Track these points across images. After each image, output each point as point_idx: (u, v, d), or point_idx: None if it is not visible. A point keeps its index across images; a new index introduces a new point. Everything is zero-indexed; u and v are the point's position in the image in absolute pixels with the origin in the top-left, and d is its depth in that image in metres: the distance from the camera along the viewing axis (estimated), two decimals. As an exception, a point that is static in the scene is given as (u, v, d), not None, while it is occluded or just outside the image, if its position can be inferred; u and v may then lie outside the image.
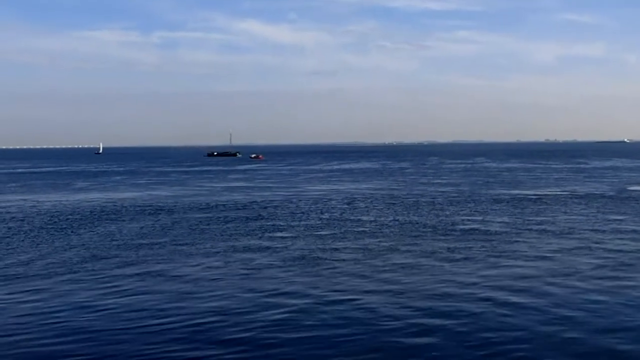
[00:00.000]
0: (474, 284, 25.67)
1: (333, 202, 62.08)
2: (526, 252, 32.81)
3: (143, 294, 25.09)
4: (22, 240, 39.03)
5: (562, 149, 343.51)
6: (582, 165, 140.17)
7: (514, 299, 23.19)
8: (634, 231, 39.35)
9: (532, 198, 62.92)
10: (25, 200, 68.52)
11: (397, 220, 46.86)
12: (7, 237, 40.61)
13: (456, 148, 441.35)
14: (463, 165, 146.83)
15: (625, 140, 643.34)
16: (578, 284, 25.44)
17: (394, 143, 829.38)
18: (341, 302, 23.16)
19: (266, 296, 24.26)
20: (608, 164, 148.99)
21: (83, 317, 21.76)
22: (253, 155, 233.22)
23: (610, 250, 32.82)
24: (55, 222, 48.35)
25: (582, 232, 39.52)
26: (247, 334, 19.60)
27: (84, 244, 37.32)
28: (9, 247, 36.66)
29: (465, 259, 31.00)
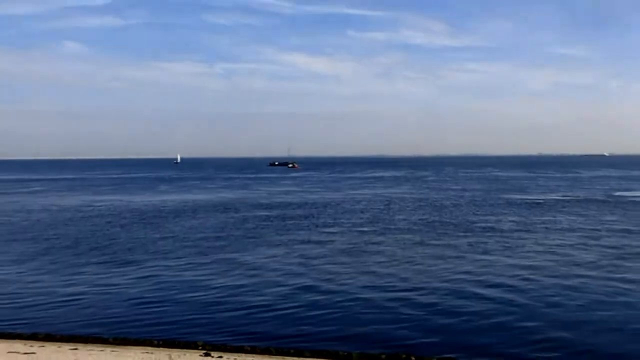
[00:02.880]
0: (491, 272, 25.32)
1: (371, 203, 61.77)
2: (533, 247, 32.23)
3: (218, 275, 25.32)
4: (119, 232, 39.85)
5: (555, 161, 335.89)
6: (576, 175, 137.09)
7: (523, 285, 22.87)
8: (624, 230, 38.49)
9: (537, 201, 61.75)
10: (120, 199, 70.16)
11: (425, 219, 46.38)
12: (107, 229, 41.59)
13: (466, 160, 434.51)
14: (476, 175, 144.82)
15: (605, 154, 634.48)
16: (578, 273, 24.84)
17: (413, 155, 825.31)
18: (380, 287, 22.89)
19: (317, 280, 24.10)
20: (597, 173, 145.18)
21: (172, 292, 21.97)
22: (290, 165, 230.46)
23: (605, 246, 32.08)
24: (144, 217, 49.33)
25: (580, 230, 38.69)
26: (299, 311, 19.44)
27: (169, 235, 37.93)
28: (111, 237, 37.48)
29: (484, 252, 30.53)
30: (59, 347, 15.76)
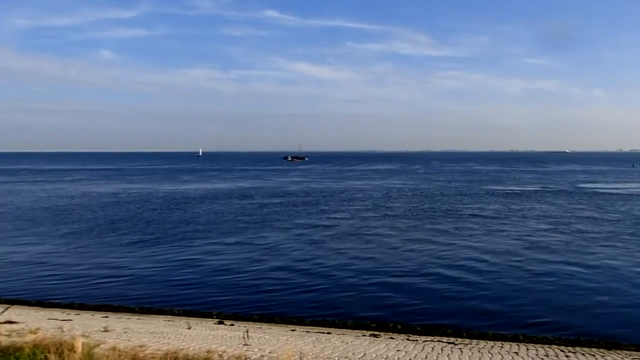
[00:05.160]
0: (475, 251, 25.31)
1: (370, 192, 61.44)
2: (511, 230, 32.10)
3: (237, 253, 25.13)
4: (149, 216, 39.74)
5: (525, 157, 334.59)
6: (546, 169, 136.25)
7: (503, 262, 22.85)
8: (589, 217, 38.22)
9: (514, 192, 61.40)
10: (149, 187, 70.15)
11: (417, 206, 46.10)
12: (139, 213, 41.53)
13: (448, 155, 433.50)
14: (459, 168, 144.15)
15: (567, 151, 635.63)
16: (549, 254, 24.83)
17: (402, 151, 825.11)
18: (375, 265, 22.72)
19: (325, 258, 23.92)
20: (563, 168, 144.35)
21: (195, 270, 21.81)
22: (289, 158, 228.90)
23: (574, 231, 31.97)
24: (171, 203, 49.17)
25: (552, 217, 38.44)
26: (309, 282, 19.29)
27: (192, 219, 37.78)
28: (141, 220, 37.44)
29: (470, 235, 30.37)
30: (92, 315, 15.70)
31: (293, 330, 14.02)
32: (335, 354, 11.20)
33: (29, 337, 10.57)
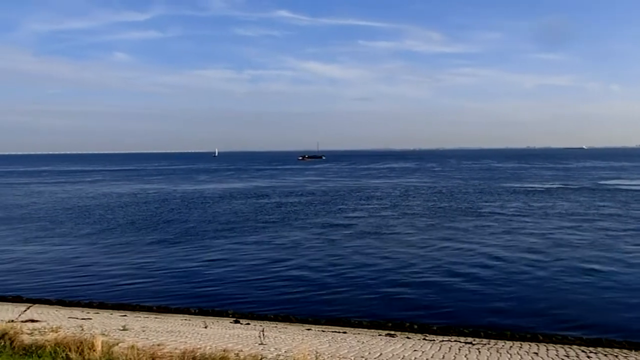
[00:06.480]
0: (495, 250, 24.90)
1: (387, 191, 61.20)
2: (533, 228, 31.56)
3: (254, 253, 25.20)
4: (168, 215, 40.16)
5: (541, 154, 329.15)
6: (564, 165, 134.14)
7: (523, 261, 22.49)
8: (613, 214, 37.37)
9: (534, 189, 60.45)
10: (167, 187, 70.82)
11: (436, 204, 45.73)
12: (158, 213, 41.97)
13: (463, 152, 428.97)
14: (477, 166, 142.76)
15: (584, 147, 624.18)
16: (571, 252, 24.34)
17: (416, 149, 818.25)
18: (394, 264, 22.63)
19: (342, 257, 23.86)
20: (583, 164, 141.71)
21: (211, 269, 21.95)
22: (305, 157, 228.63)
23: (598, 228, 31.29)
24: (189, 202, 49.56)
25: (574, 214, 37.72)
26: (325, 281, 19.23)
27: (210, 219, 38.02)
28: (160, 220, 37.86)
29: (491, 233, 29.98)
30: (111, 313, 15.91)
31: (309, 330, 14.03)
32: (352, 354, 11.16)
33: (51, 336, 10.75)
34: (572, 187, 63.47)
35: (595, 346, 12.81)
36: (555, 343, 13.07)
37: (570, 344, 12.97)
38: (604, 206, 42.84)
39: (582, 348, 12.59)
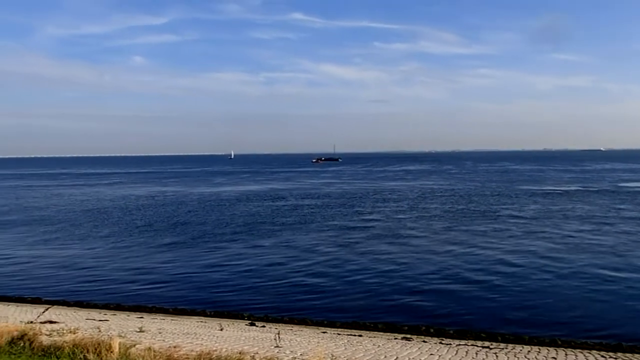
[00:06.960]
0: (514, 255, 24.51)
1: (404, 193, 60.85)
2: (552, 232, 31.05)
3: (270, 255, 25.07)
4: (185, 218, 40.40)
5: (559, 156, 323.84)
6: (583, 167, 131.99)
7: (542, 264, 22.21)
8: (635, 218, 36.64)
9: (553, 191, 59.64)
10: (183, 190, 71.34)
11: (454, 207, 45.38)
12: (175, 216, 42.21)
13: (479, 154, 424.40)
14: (494, 168, 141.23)
15: (602, 149, 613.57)
16: (592, 256, 23.90)
17: (432, 151, 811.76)
18: (410, 268, 22.54)
19: (358, 260, 23.83)
20: (602, 166, 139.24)
21: (227, 271, 21.95)
22: (320, 159, 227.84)
23: (619, 232, 30.70)
24: (206, 205, 49.87)
25: (595, 217, 37.06)
26: (341, 284, 19.18)
27: (227, 221, 38.19)
28: (177, 222, 38.18)
29: (509, 237, 29.60)
30: (128, 315, 16.08)
31: (324, 333, 14.00)
32: (367, 357, 11.11)
33: (69, 337, 10.90)
34: (591, 189, 62.44)
35: (615, 351, 12.56)
36: (574, 348, 12.84)
37: (590, 349, 12.73)
38: (624, 209, 42.08)
39: (602, 353, 12.36)
